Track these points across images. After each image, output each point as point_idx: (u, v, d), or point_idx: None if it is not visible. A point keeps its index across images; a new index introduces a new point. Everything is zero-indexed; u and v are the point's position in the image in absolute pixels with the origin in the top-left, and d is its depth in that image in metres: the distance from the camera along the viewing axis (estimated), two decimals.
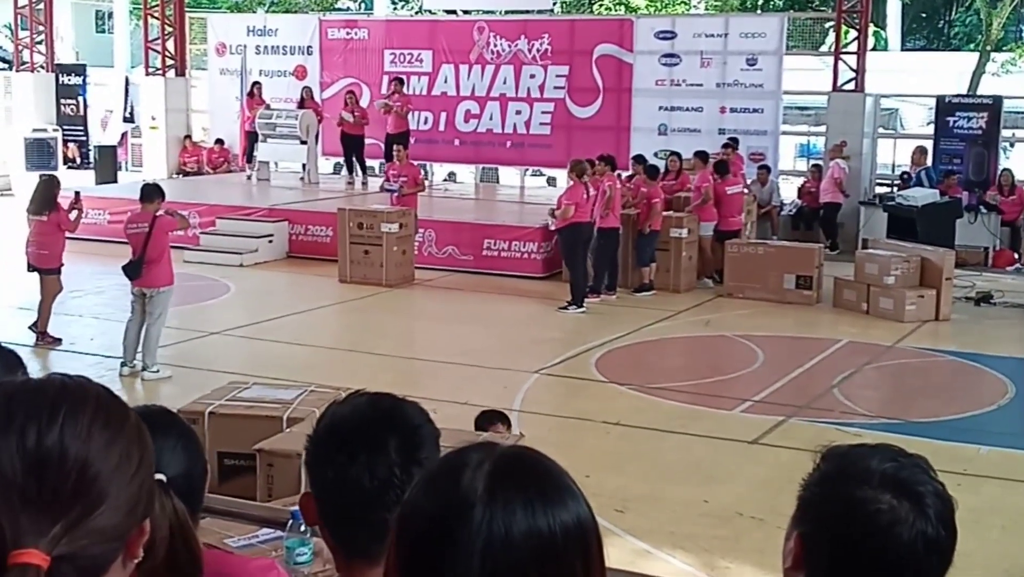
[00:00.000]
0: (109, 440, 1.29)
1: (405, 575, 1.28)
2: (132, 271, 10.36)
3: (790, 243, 15.88)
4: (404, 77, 20.43)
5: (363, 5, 36.68)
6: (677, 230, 14.64)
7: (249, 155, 20.72)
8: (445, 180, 22.76)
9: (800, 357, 11.53)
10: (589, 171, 13.61)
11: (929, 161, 18.06)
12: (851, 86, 18.67)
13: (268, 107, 20.09)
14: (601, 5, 32.58)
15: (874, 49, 25.80)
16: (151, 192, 10.67)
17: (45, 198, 11.62)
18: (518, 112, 20.59)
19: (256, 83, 20.93)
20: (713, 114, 19.14)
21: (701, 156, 15.75)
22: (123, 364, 10.39)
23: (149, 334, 10.37)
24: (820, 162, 19.23)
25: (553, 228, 13.95)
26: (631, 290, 14.35)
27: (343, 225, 15.06)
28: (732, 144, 17.27)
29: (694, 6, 31.04)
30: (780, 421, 9.29)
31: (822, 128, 19.90)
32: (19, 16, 24.22)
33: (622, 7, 31.61)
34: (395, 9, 32.66)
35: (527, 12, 21.13)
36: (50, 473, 1.24)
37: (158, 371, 10.30)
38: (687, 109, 19.36)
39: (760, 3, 32.15)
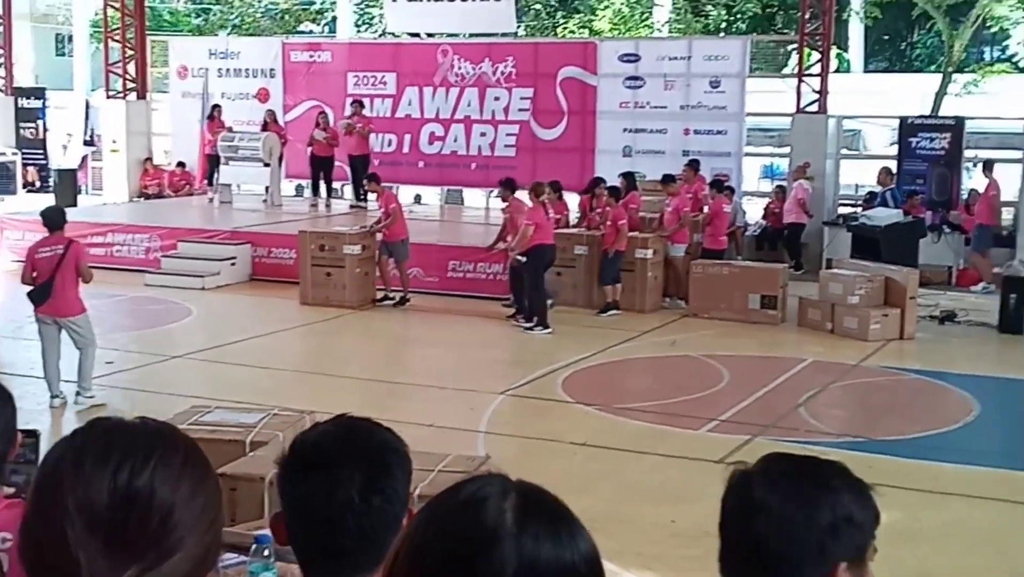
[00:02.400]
0: (194, 490, 1.32)
1: None
2: (38, 296, 9.72)
3: (755, 263, 15.94)
4: (365, 100, 20.40)
5: (327, 28, 36.64)
6: (643, 251, 14.66)
7: (210, 178, 20.60)
8: (412, 203, 22.69)
9: (765, 377, 11.54)
10: (547, 192, 13.68)
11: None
12: (814, 107, 18.80)
13: (230, 130, 19.99)
14: (565, 28, 32.72)
15: (837, 71, 26.06)
16: (59, 215, 10.12)
17: None
18: (483, 134, 20.61)
19: (216, 106, 20.84)
20: (677, 136, 19.23)
21: (668, 180, 15.79)
22: (53, 396, 9.85)
23: (85, 358, 9.90)
24: (784, 183, 19.35)
25: (518, 255, 13.57)
26: (596, 311, 14.32)
27: (304, 247, 14.97)
28: (692, 165, 17.36)
29: (657, 29, 31.23)
30: (747, 440, 9.28)
31: (786, 149, 20.04)
32: None
33: (586, 30, 31.75)
34: (359, 32, 32.63)
35: (491, 35, 21.18)
36: (136, 514, 1.26)
37: (93, 396, 9.90)
38: (651, 131, 19.44)
39: (723, 26, 32.39)
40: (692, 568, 6.82)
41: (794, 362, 12.18)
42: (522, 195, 14.13)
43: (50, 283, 9.63)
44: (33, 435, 3.00)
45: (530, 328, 13.33)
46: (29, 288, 9.76)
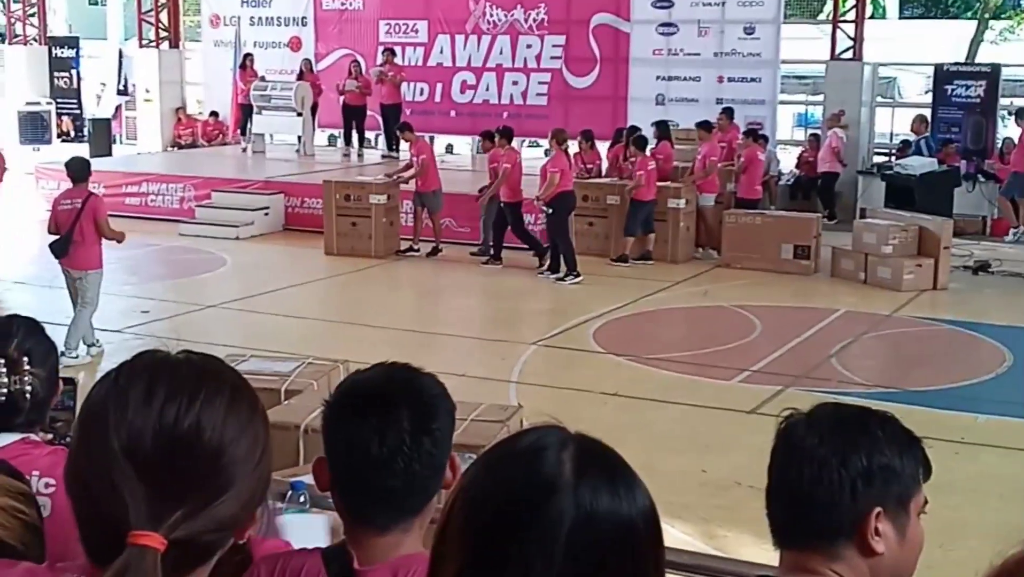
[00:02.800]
0: (241, 429, 1.29)
1: (474, 559, 1.22)
2: (59, 248, 9.64)
3: (788, 213, 15.84)
4: (396, 48, 20.30)
5: None
6: (675, 200, 14.60)
7: (243, 128, 20.63)
8: (443, 152, 22.67)
9: (798, 327, 11.52)
10: (579, 140, 13.79)
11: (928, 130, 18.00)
12: (849, 55, 18.58)
13: (263, 79, 19.97)
14: None
15: (872, 17, 25.68)
16: (84, 168, 9.89)
17: None
18: (515, 83, 20.50)
19: (248, 55, 20.79)
20: (711, 84, 19.05)
21: (705, 126, 15.71)
22: (89, 345, 9.87)
23: (78, 317, 9.72)
24: (818, 131, 19.15)
25: (544, 206, 13.73)
26: (632, 259, 14.27)
27: (329, 197, 15.02)
28: (727, 113, 17.25)
29: None
30: (778, 391, 9.29)
31: (820, 97, 19.82)
32: None
33: None
34: None
35: None
36: (182, 455, 1.23)
37: (77, 357, 9.62)
38: (685, 79, 19.27)
39: None
40: (722, 517, 6.89)
41: (827, 312, 12.14)
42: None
43: (69, 236, 9.54)
44: (71, 383, 3.06)
45: (561, 278, 13.35)
46: (52, 239, 9.70)
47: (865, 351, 10.97)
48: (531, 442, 1.25)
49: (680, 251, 14.64)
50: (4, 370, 2.48)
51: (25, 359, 2.50)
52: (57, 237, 9.62)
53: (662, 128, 16.16)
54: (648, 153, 14.65)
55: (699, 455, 7.87)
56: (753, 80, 18.80)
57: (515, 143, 21.24)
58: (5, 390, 2.48)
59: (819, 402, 1.94)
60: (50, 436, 2.76)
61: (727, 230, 14.47)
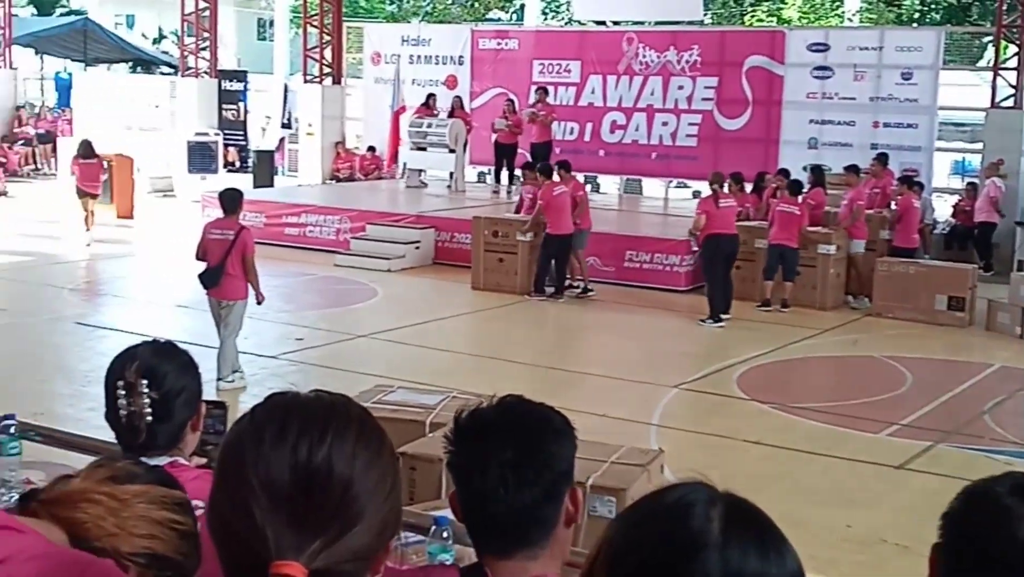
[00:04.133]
0: (370, 461, 1.36)
1: None
2: (210, 279, 9.80)
3: (943, 263, 15.44)
4: (550, 87, 20.56)
5: (514, 16, 37.04)
6: (825, 247, 14.38)
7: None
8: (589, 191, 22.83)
9: (950, 381, 11.22)
10: (728, 183, 13.82)
11: None
12: (1010, 103, 18.07)
13: (436, 115, 20.27)
14: (753, 16, 32.21)
15: None
16: (235, 200, 10.02)
17: None
18: (664, 123, 20.54)
19: (431, 95, 21.05)
20: (865, 128, 18.77)
21: (853, 170, 15.50)
22: (233, 371, 9.98)
23: (224, 346, 9.88)
24: (976, 180, 18.65)
25: (696, 246, 13.89)
26: (757, 305, 14.08)
27: (478, 233, 15.30)
28: (881, 159, 16.95)
29: (848, 18, 30.41)
30: (928, 446, 9.07)
31: (978, 145, 19.31)
32: (185, 23, 25.25)
33: (774, 19, 31.18)
34: (545, 20, 32.89)
35: (677, 23, 21.08)
36: (317, 489, 1.31)
37: (233, 380, 9.84)
38: (839, 123, 19.04)
39: (916, 16, 31.32)
40: (866, 574, 6.77)
41: (981, 367, 11.79)
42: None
43: (221, 268, 9.70)
44: (221, 407, 3.16)
45: (704, 320, 13.31)
46: (202, 268, 9.88)
47: (1020, 408, 10.63)
48: (678, 497, 1.24)
49: (829, 297, 14.41)
50: (124, 392, 2.55)
51: (144, 381, 2.55)
52: (207, 268, 9.83)
53: (817, 173, 15.96)
54: (800, 198, 14.45)
55: (844, 509, 7.73)
56: (909, 126, 18.45)
57: (661, 185, 21.45)
58: (124, 412, 2.55)
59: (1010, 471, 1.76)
60: (203, 461, 2.83)
61: (879, 278, 14.19)
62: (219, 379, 9.79)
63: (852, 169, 15.56)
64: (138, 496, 1.73)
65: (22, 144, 26.37)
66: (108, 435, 2.72)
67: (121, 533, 1.68)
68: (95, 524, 1.69)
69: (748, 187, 15.64)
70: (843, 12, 31.16)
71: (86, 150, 18.12)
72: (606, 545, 1.26)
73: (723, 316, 13.39)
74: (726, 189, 13.89)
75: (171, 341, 2.76)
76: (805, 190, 15.02)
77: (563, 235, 14.27)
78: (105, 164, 18.86)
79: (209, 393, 3.02)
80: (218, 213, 10.40)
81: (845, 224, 14.78)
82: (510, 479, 1.93)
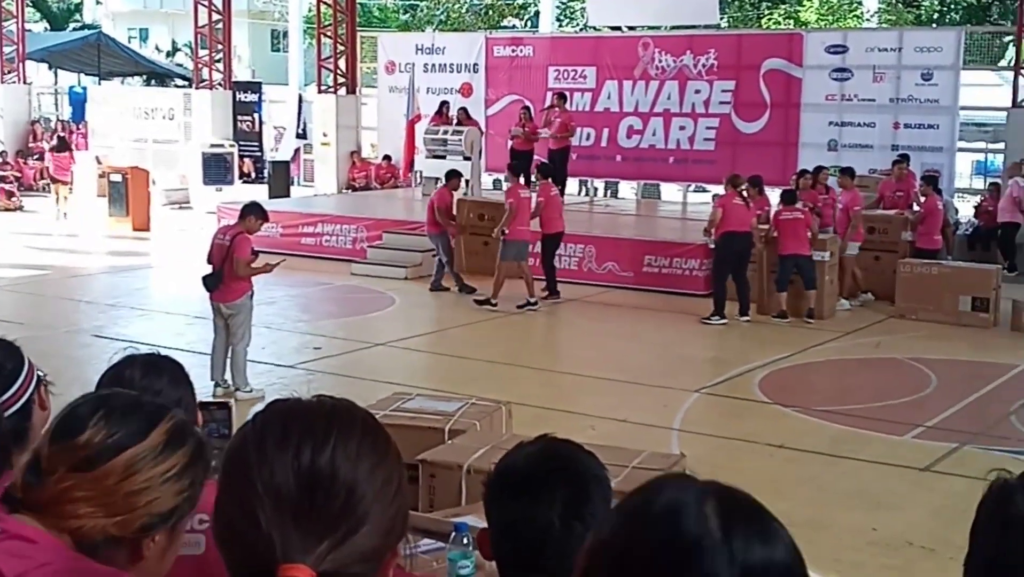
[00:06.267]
0: (375, 464, 1.35)
1: None
2: (211, 282, 9.92)
3: (966, 264, 15.28)
4: (567, 93, 20.46)
5: (529, 23, 37.03)
6: (820, 253, 13.95)
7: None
8: (606, 197, 22.78)
9: (976, 382, 11.07)
10: (745, 185, 13.76)
11: None
12: None
13: (449, 122, 20.22)
14: (770, 19, 32.10)
15: None
16: (248, 209, 10.15)
17: None
18: (682, 128, 20.43)
19: (444, 102, 21.02)
20: (886, 130, 18.63)
21: (848, 173, 15.25)
22: (215, 384, 9.85)
23: (235, 355, 9.90)
24: (998, 180, 18.48)
25: (712, 244, 13.84)
26: (773, 315, 13.78)
27: (462, 216, 15.84)
28: (903, 160, 16.78)
29: (867, 20, 30.28)
30: (954, 448, 8.93)
31: (1000, 145, 19.15)
32: (199, 35, 25.31)
33: (792, 21, 31.06)
34: (560, 26, 32.86)
35: (693, 27, 20.98)
36: (321, 492, 1.31)
37: (251, 390, 9.78)
38: (859, 124, 18.90)
39: (936, 16, 31.14)
40: None
41: (1006, 368, 11.63)
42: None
43: (221, 272, 9.81)
44: (224, 408, 3.08)
45: (706, 319, 13.24)
46: (206, 273, 9.98)
47: None
48: (668, 501, 1.20)
49: (826, 306, 13.91)
50: None
51: None
52: (210, 272, 9.93)
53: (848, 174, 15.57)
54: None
55: (869, 512, 7.60)
56: (930, 127, 18.31)
57: (678, 189, 21.34)
58: None
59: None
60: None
61: (902, 280, 14.03)
62: (236, 390, 9.79)
63: (847, 172, 15.30)
64: (115, 474, 1.68)
65: (36, 159, 26.45)
66: None
67: (118, 518, 1.67)
68: (91, 526, 1.67)
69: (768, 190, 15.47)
70: (861, 13, 31.02)
71: (59, 144, 22.80)
72: (603, 547, 1.22)
73: (742, 317, 13.33)
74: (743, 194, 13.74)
75: (158, 353, 2.67)
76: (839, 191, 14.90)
77: (555, 233, 14.59)
78: (74, 156, 22.87)
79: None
80: (232, 223, 10.48)
81: (844, 232, 14.47)
82: (559, 532, 1.93)
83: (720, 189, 14.11)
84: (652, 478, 1.26)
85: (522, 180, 20.01)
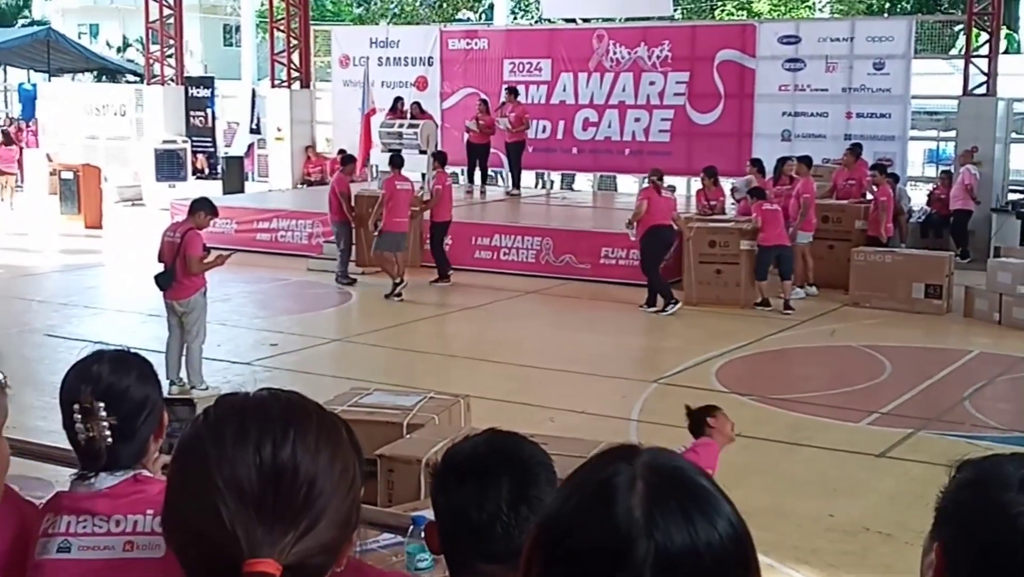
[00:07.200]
0: (332, 457, 1.36)
1: None
2: (163, 281, 9.86)
3: (919, 251, 15.44)
4: (519, 87, 20.43)
5: (483, 16, 36.97)
6: (747, 242, 13.99)
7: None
8: (562, 189, 22.79)
9: (929, 368, 11.19)
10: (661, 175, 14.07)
11: None
12: (982, 90, 18.08)
13: (404, 116, 20.13)
14: (723, 11, 32.26)
15: (1006, 52, 24.99)
16: (197, 205, 10.07)
17: None
18: (637, 120, 20.46)
19: (398, 98, 20.91)
20: (839, 119, 18.75)
21: (805, 161, 15.35)
22: (171, 383, 9.71)
23: (190, 352, 9.88)
24: (950, 168, 18.67)
25: (633, 237, 13.94)
26: (756, 303, 13.92)
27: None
28: (855, 150, 16.92)
29: (819, 10, 30.50)
30: (908, 434, 9.03)
31: (952, 133, 19.34)
32: (150, 31, 24.98)
33: (744, 12, 31.23)
34: (514, 19, 32.82)
35: (647, 19, 21.02)
36: (284, 487, 1.31)
37: (207, 388, 9.70)
38: (812, 114, 19.00)
39: (887, 6, 31.43)
40: (850, 563, 6.70)
41: (960, 354, 11.78)
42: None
43: (173, 269, 9.74)
44: (189, 403, 3.06)
45: (659, 311, 13.32)
46: (158, 272, 9.90)
47: (1000, 394, 10.60)
48: (604, 479, 1.20)
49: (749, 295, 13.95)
50: (80, 416, 2.41)
51: (100, 405, 2.40)
52: (162, 271, 9.84)
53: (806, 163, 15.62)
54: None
55: (826, 499, 7.67)
56: (883, 116, 18.44)
57: (635, 181, 21.39)
58: (82, 436, 2.41)
59: (966, 457, 1.64)
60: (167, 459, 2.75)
61: (855, 268, 14.15)
62: (192, 388, 9.72)
63: (804, 160, 15.39)
64: None
65: None
66: None
67: None
68: None
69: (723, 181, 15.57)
70: (813, 4, 31.26)
71: (4, 139, 24.17)
72: (543, 530, 1.22)
73: (650, 309, 13.54)
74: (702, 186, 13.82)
75: (125, 349, 2.60)
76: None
77: (443, 222, 15.20)
78: (19, 151, 23.80)
79: None
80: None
81: (797, 224, 14.55)
82: (507, 516, 1.94)
83: (675, 180, 14.14)
84: (595, 453, 1.27)
85: (478, 173, 20.18)
